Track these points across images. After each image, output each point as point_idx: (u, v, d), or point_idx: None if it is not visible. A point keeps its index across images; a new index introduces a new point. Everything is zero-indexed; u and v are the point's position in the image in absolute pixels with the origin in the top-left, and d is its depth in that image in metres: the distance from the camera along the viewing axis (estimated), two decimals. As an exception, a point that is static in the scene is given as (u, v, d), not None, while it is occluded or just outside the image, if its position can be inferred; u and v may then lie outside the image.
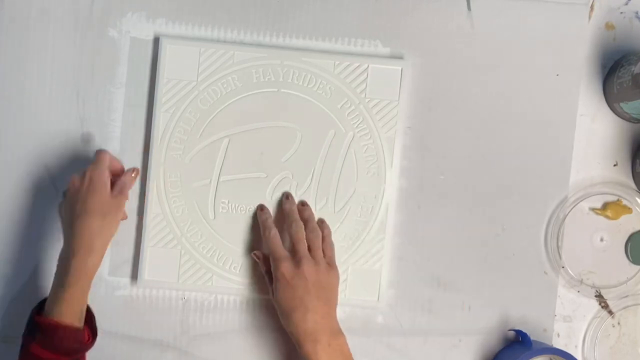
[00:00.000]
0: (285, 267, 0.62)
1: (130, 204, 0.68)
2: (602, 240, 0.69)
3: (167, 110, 0.68)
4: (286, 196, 0.68)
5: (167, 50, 0.68)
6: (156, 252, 0.68)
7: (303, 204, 0.68)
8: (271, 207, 0.68)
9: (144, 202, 0.68)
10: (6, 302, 0.69)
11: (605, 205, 0.69)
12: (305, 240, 0.65)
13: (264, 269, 0.66)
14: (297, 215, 0.66)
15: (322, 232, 0.67)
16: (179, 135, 0.68)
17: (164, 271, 0.68)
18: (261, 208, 0.68)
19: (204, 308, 0.69)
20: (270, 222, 0.66)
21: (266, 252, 0.66)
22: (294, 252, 0.64)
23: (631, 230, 0.69)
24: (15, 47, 0.69)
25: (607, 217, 0.69)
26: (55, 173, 0.69)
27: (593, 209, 0.69)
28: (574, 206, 0.69)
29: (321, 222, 0.68)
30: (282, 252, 0.64)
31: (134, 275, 0.68)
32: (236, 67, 0.68)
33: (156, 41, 0.68)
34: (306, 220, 0.66)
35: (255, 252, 0.67)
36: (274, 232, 0.65)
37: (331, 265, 0.65)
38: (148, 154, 0.68)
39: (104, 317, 0.68)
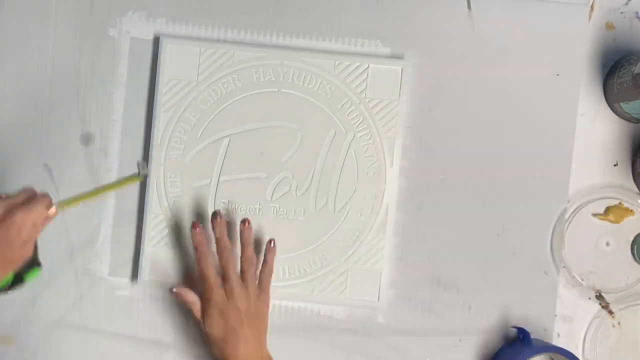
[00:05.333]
0: (217, 296, 0.61)
1: (130, 204, 0.69)
2: (607, 244, 0.69)
3: (167, 110, 0.68)
4: (214, 215, 0.64)
5: (167, 50, 0.68)
6: (156, 252, 0.68)
7: (244, 222, 0.65)
8: (271, 208, 0.68)
9: (144, 202, 0.68)
10: (5, 302, 0.69)
11: (607, 210, 0.69)
12: (235, 268, 0.63)
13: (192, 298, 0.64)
14: (226, 242, 0.63)
15: (266, 256, 0.64)
16: (179, 135, 0.68)
17: (164, 271, 0.68)
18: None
19: (204, 308, 0.69)
20: (205, 247, 0.63)
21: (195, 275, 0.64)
22: (225, 280, 0.62)
23: (635, 232, 0.69)
24: (15, 46, 0.69)
25: (609, 221, 0.69)
26: (55, 173, 0.69)
27: (595, 215, 0.69)
28: (575, 207, 0.69)
29: (269, 243, 0.65)
30: (214, 280, 0.62)
31: (134, 275, 0.68)
32: (236, 67, 0.68)
33: (156, 41, 0.68)
34: (244, 244, 0.64)
35: (175, 289, 0.64)
36: (207, 257, 0.63)
37: (263, 291, 0.63)
38: (148, 154, 0.68)
39: (104, 317, 0.68)
